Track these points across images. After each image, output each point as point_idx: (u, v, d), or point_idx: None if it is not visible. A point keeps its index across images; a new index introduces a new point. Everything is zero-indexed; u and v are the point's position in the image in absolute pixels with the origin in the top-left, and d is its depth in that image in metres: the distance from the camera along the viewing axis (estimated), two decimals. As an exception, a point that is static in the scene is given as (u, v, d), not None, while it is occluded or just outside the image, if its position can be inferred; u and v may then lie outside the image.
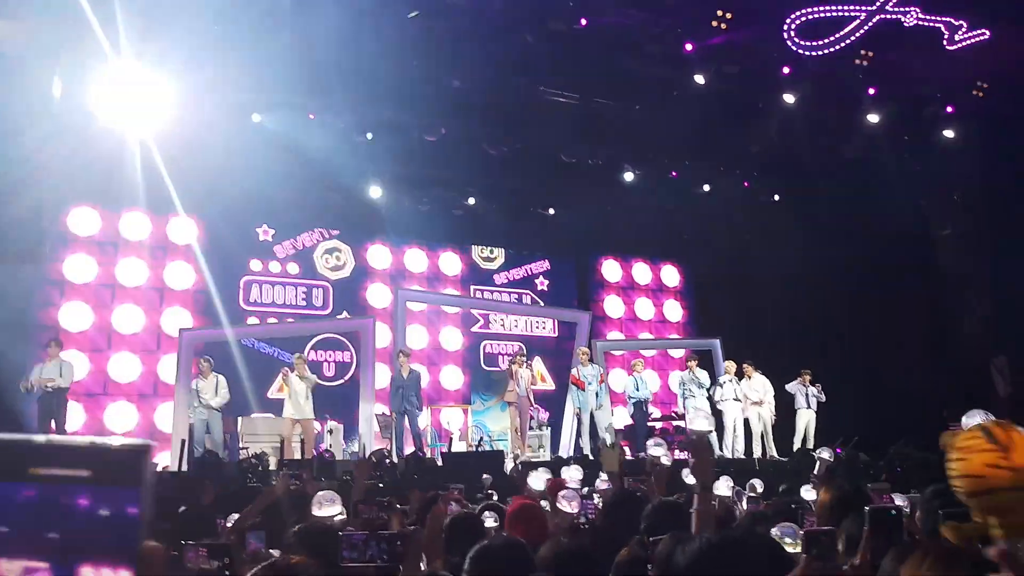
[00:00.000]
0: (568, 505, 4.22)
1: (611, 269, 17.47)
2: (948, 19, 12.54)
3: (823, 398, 12.83)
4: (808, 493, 5.42)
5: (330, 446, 11.55)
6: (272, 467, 10.07)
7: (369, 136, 13.09)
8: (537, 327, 16.50)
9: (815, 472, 6.61)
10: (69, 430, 10.48)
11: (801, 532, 2.72)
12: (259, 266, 14.43)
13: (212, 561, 3.65)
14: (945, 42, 12.67)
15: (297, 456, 10.77)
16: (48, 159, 10.54)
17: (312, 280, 14.84)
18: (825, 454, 7.35)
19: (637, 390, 12.99)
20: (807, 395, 12.86)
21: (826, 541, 2.54)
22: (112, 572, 0.71)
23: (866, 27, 12.38)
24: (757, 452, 12.64)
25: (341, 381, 14.38)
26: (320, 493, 4.55)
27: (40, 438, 0.71)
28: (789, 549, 2.71)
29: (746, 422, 12.82)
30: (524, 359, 13.21)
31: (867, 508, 2.69)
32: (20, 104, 10.37)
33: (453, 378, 15.48)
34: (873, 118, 14.00)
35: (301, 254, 14.79)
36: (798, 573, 2.35)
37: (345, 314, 14.63)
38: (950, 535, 1.32)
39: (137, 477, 0.69)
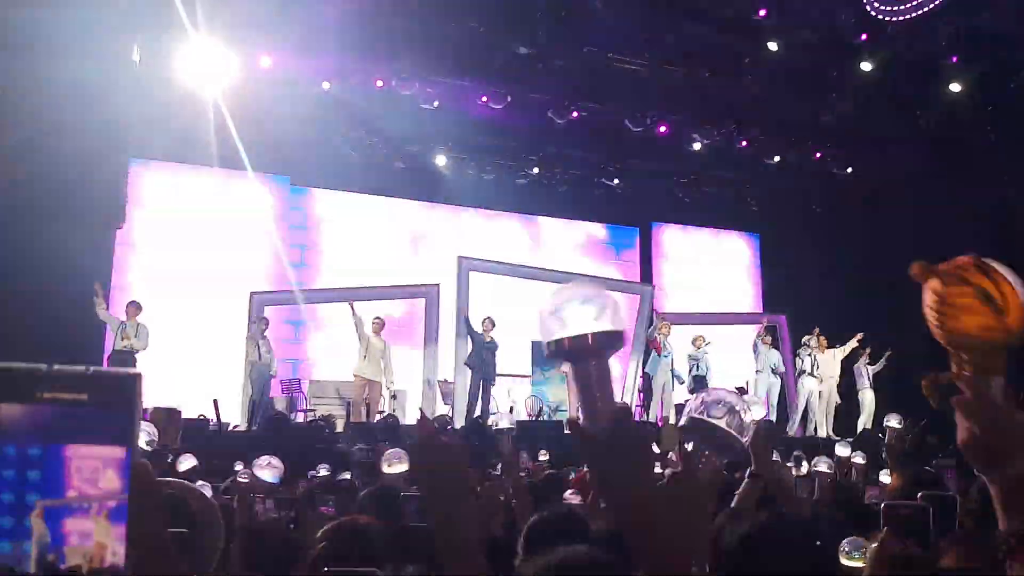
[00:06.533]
0: None
1: (676, 240, 17.23)
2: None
3: (880, 366, 12.77)
4: (885, 477, 5.24)
5: (394, 410, 11.72)
6: (339, 430, 10.33)
7: (435, 104, 13.08)
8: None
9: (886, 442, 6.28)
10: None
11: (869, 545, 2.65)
12: (330, 228, 14.69)
13: (280, 512, 3.86)
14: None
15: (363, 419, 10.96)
16: (129, 124, 10.83)
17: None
18: (894, 421, 6.49)
19: (698, 367, 12.58)
20: (868, 374, 12.83)
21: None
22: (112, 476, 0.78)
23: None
24: (822, 431, 12.45)
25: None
26: (388, 452, 4.65)
27: (44, 366, 0.78)
28: (853, 563, 2.64)
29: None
30: None
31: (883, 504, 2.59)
32: (101, 71, 10.64)
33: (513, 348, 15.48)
34: (955, 87, 13.42)
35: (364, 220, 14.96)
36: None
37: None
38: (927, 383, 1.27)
39: (129, 402, 0.78)
